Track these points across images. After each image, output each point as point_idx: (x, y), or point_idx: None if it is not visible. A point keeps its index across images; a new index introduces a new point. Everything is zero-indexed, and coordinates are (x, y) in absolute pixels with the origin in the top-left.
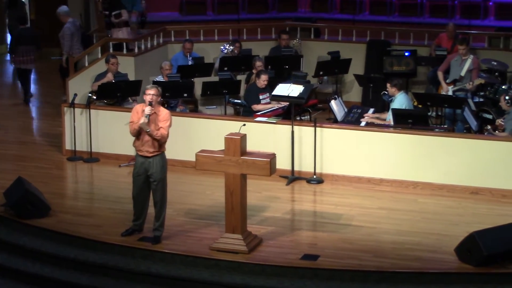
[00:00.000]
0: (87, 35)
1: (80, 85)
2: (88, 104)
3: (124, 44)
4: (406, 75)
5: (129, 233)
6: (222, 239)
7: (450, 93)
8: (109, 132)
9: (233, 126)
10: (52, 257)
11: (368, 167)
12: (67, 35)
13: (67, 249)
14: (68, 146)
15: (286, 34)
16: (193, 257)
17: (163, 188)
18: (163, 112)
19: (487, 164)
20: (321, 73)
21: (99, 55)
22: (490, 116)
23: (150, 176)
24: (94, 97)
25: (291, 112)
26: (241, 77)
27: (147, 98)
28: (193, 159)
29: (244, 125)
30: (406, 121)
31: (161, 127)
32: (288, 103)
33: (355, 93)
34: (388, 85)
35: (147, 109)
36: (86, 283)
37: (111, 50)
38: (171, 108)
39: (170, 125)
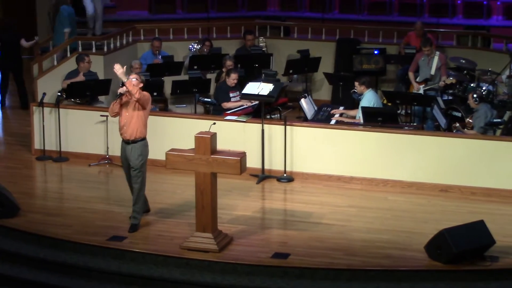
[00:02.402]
0: None
1: (49, 84)
2: (57, 103)
3: (93, 42)
4: (375, 73)
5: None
6: (192, 238)
7: (421, 92)
8: (79, 131)
9: (203, 125)
10: (22, 257)
11: (338, 165)
12: None
13: (37, 249)
14: (37, 145)
15: (251, 34)
16: (164, 256)
17: (140, 176)
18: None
19: (456, 161)
20: (291, 71)
21: (68, 54)
22: (459, 114)
23: (129, 162)
24: (64, 96)
25: (261, 111)
26: (211, 76)
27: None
28: (163, 158)
29: (214, 123)
30: (375, 119)
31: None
32: (258, 101)
33: (325, 92)
34: (356, 83)
35: (122, 89)
36: (56, 283)
37: (80, 49)
38: None
39: (143, 95)
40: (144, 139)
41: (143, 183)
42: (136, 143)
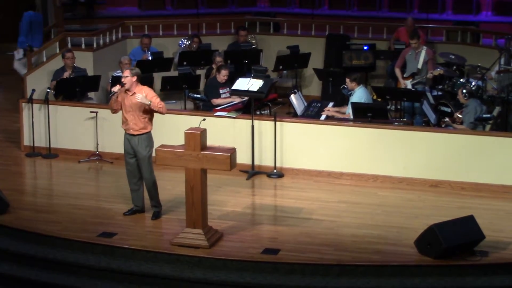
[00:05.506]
0: None
1: (38, 81)
2: (47, 100)
3: (82, 39)
4: (365, 69)
5: (131, 213)
6: (183, 234)
7: (409, 87)
8: (68, 127)
9: (193, 121)
10: (11, 254)
11: (328, 160)
12: None
13: (26, 246)
14: (26, 142)
15: (244, 30)
16: (154, 253)
17: (148, 166)
18: (145, 90)
19: (446, 157)
20: (280, 67)
21: (57, 50)
22: (448, 109)
23: (136, 153)
24: (53, 93)
25: (251, 107)
26: (201, 72)
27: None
28: (153, 154)
29: (204, 119)
30: (365, 115)
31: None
32: (248, 97)
33: (314, 87)
34: (347, 80)
35: (115, 88)
36: (45, 280)
37: (69, 45)
38: None
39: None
40: (149, 132)
41: (152, 172)
42: (142, 135)
